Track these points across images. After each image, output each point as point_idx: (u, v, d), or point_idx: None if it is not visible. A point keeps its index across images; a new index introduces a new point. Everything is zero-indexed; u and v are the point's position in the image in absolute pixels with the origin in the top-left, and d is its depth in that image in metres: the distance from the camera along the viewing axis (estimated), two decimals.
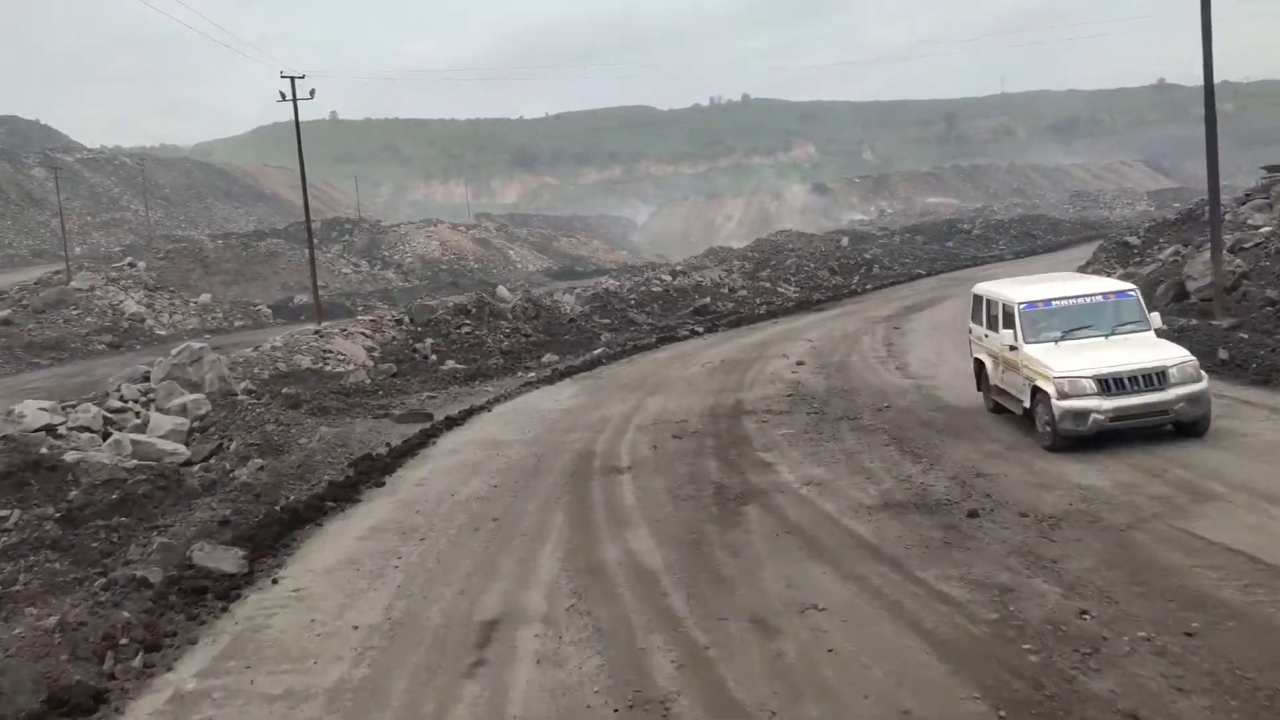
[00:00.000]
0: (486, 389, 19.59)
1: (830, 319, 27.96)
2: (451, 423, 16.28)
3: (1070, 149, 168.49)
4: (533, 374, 21.13)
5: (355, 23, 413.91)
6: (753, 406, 15.81)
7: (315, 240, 43.57)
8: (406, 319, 25.29)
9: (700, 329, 27.68)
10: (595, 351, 23.69)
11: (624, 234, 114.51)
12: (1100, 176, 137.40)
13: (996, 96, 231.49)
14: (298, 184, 42.76)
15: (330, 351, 21.29)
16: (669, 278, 37.05)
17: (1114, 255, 28.95)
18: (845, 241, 55.87)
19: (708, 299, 33.36)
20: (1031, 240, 54.06)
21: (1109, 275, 25.00)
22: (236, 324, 45.17)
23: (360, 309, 45.88)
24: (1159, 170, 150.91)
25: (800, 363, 19.77)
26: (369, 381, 20.33)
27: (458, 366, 22.40)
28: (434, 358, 22.94)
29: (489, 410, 17.44)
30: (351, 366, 20.82)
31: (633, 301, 33.39)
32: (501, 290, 35.90)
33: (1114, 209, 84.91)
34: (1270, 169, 29.38)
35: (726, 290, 36.41)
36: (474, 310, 25.41)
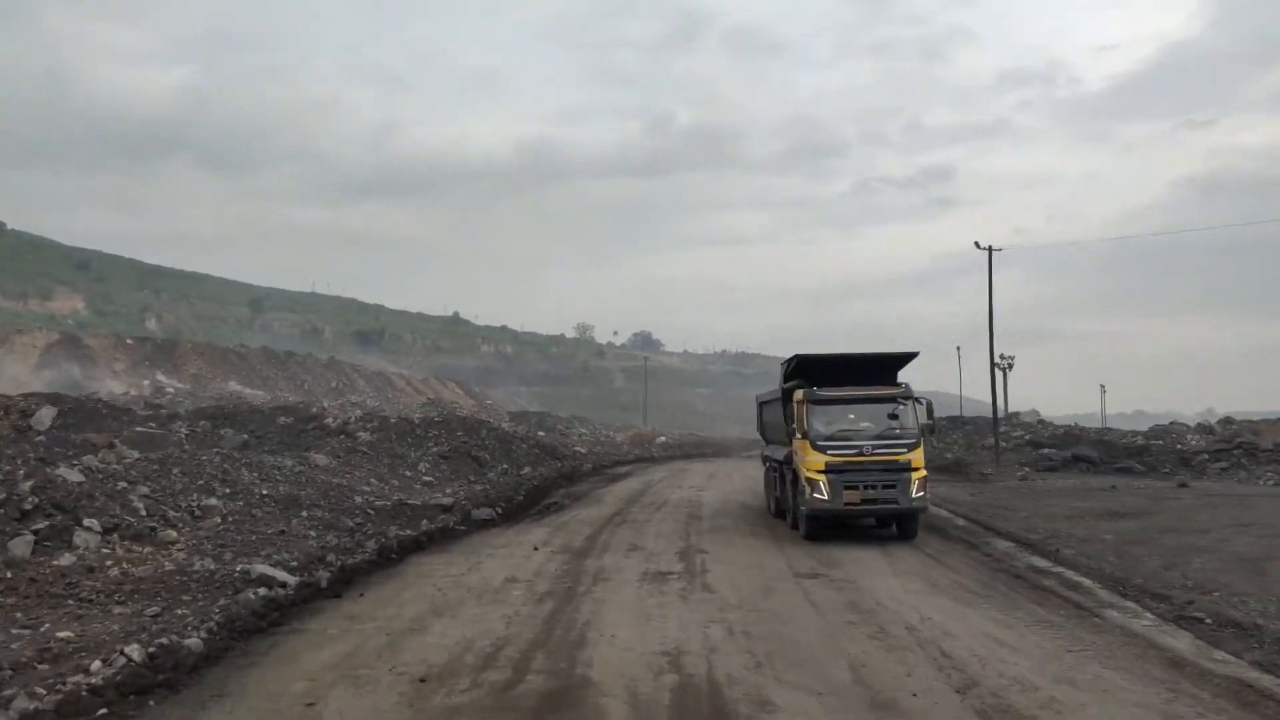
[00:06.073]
0: None
1: None
2: None
3: (376, 359, 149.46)
4: None
5: None
6: None
7: None
8: None
9: None
10: None
11: None
12: (420, 390, 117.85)
13: (307, 294, 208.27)
14: None
15: None
16: None
17: None
18: (47, 417, 20.63)
19: None
20: (476, 464, 24.73)
21: None
22: None
23: None
24: (469, 393, 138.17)
25: None
26: None
27: None
28: None
29: None
30: None
31: None
32: None
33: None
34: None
35: None
36: None
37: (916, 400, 16.81)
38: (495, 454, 27.13)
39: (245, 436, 25.98)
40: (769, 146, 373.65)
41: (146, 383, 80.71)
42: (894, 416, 16.63)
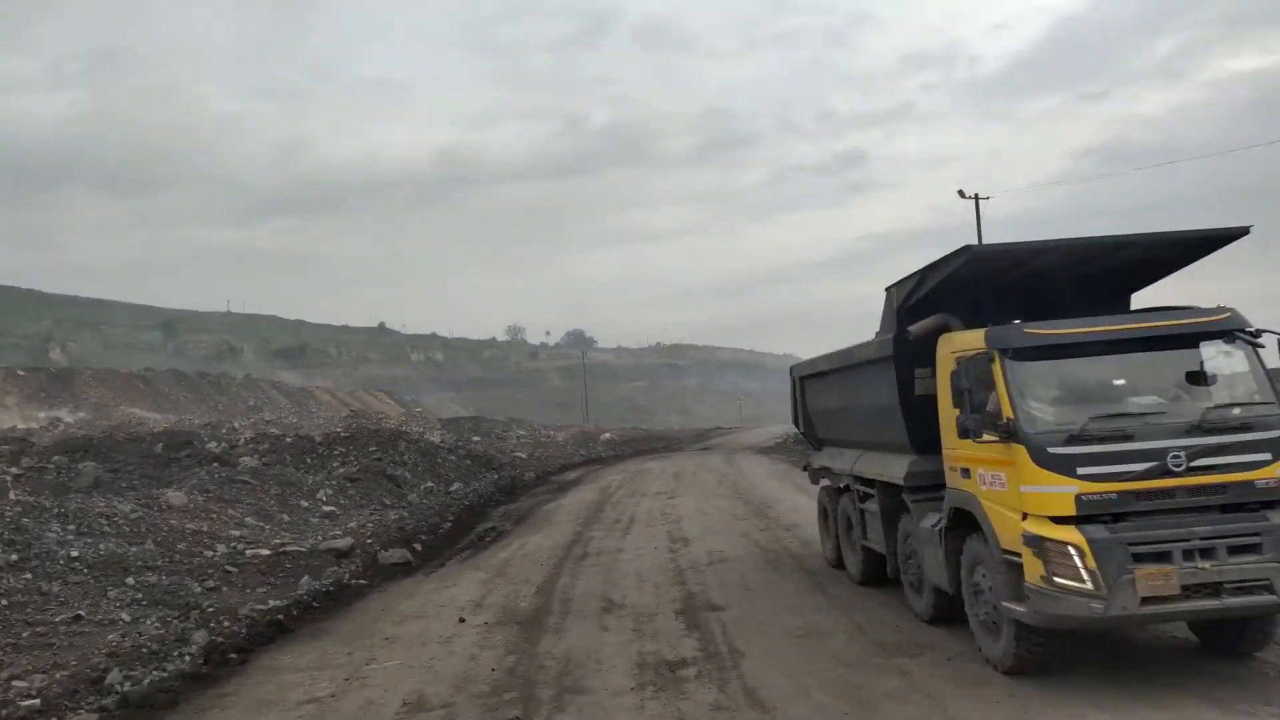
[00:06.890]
0: None
1: None
2: None
3: (300, 375, 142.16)
4: None
5: None
6: None
7: None
8: None
9: None
10: None
11: None
12: (346, 402, 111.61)
13: (221, 314, 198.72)
14: None
15: None
16: None
17: None
18: None
19: None
20: (393, 485, 19.73)
21: None
22: None
23: None
24: (400, 402, 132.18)
25: None
26: None
27: None
28: None
29: None
30: None
31: None
32: None
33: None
34: None
35: None
36: None
37: (1255, 336, 6.83)
38: (417, 470, 22.10)
39: (96, 464, 20.62)
40: (684, 141, 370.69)
41: (43, 415, 73.26)
42: (1202, 379, 6.87)
